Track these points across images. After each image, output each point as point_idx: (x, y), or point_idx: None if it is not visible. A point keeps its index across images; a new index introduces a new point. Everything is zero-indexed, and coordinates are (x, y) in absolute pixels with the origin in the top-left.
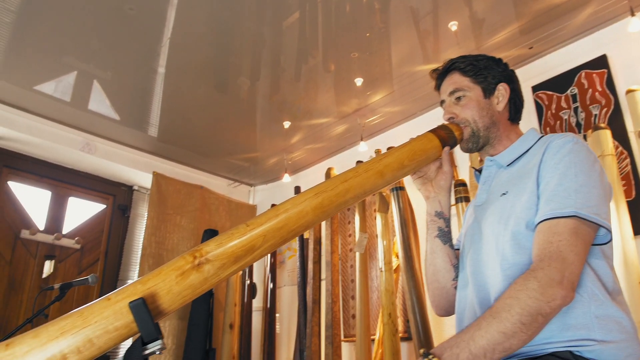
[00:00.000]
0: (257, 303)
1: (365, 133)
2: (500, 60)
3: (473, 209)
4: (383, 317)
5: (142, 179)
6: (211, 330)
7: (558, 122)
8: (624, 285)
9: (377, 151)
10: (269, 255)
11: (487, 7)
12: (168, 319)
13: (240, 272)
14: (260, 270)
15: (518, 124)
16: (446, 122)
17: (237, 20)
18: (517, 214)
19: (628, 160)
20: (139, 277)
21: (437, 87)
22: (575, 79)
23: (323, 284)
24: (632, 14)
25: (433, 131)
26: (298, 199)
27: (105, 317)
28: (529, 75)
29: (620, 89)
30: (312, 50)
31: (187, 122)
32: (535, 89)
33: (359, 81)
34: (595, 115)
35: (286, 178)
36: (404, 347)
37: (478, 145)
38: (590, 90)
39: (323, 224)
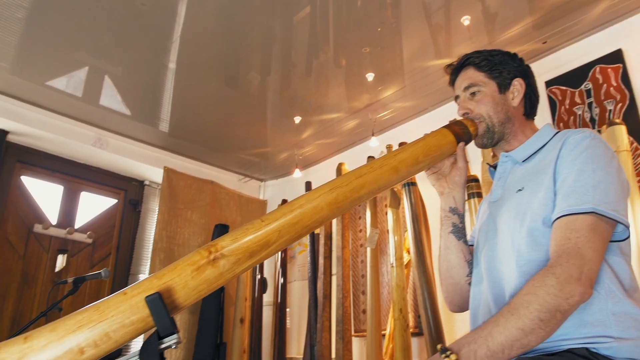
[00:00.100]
0: (267, 298)
1: (377, 128)
2: (515, 55)
3: (487, 205)
4: (394, 312)
5: (153, 174)
6: (222, 324)
7: (572, 117)
8: None
9: (389, 147)
10: None
11: (500, 1)
12: (179, 313)
13: None
14: (270, 265)
15: (533, 119)
16: (461, 118)
17: (248, 15)
18: (533, 210)
19: None
20: (150, 271)
21: (452, 83)
22: (590, 73)
23: (334, 279)
24: None
25: (447, 127)
26: (313, 195)
27: (122, 312)
28: (542, 70)
29: (636, 84)
30: (323, 45)
31: (198, 117)
32: (549, 84)
33: (370, 76)
34: (610, 110)
35: (297, 173)
36: (414, 342)
37: (493, 140)
38: (605, 85)
39: (334, 219)
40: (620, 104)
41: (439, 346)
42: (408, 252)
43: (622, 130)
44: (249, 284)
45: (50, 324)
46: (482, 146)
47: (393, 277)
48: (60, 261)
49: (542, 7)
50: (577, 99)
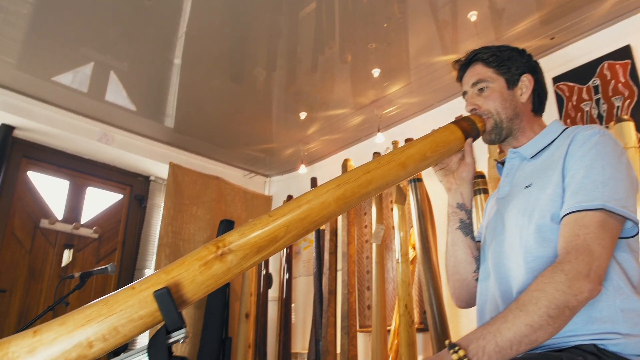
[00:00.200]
0: (272, 293)
1: (383, 124)
2: (524, 51)
3: (495, 201)
4: (399, 308)
5: (159, 170)
6: (227, 319)
7: (579, 113)
8: None
9: (395, 143)
10: None
11: None
12: (185, 308)
13: None
14: (276, 261)
15: (541, 115)
16: (468, 114)
17: (253, 11)
18: (541, 207)
19: None
20: (155, 266)
21: (459, 79)
22: (598, 70)
23: (339, 274)
24: None
25: (455, 123)
26: (320, 190)
27: (130, 306)
28: (549, 66)
29: None
30: (328, 41)
31: (203, 113)
32: (556, 80)
33: (376, 72)
34: (618, 107)
35: (302, 169)
36: (419, 338)
37: (501, 137)
38: (613, 81)
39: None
40: (628, 101)
41: (446, 342)
42: (413, 248)
43: (630, 127)
44: (255, 280)
45: (59, 318)
46: (490, 142)
47: (398, 273)
48: (67, 256)
49: (550, 3)
50: (585, 95)
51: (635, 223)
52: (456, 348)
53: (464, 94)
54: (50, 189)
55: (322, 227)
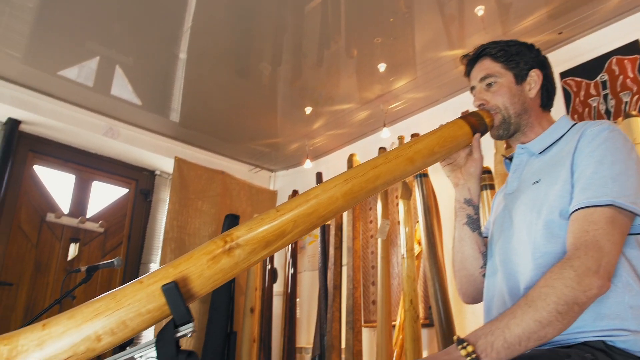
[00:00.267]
0: (277, 287)
1: (388, 119)
2: (532, 45)
3: (503, 196)
4: (404, 303)
5: (164, 164)
6: (232, 313)
7: (586, 109)
8: None
9: (400, 138)
10: None
11: None
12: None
13: None
14: (281, 256)
15: (550, 111)
16: (476, 109)
17: (259, 5)
18: (550, 203)
19: None
20: (161, 260)
21: (467, 73)
22: (606, 65)
23: (344, 269)
24: None
25: (463, 118)
26: (328, 185)
27: (138, 300)
28: (557, 62)
29: None
30: (334, 35)
31: (209, 107)
32: (563, 75)
33: (382, 67)
34: (626, 102)
35: (307, 164)
36: (424, 333)
37: (509, 132)
38: (621, 76)
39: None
40: (636, 96)
41: (455, 337)
42: (419, 243)
43: (638, 123)
44: (259, 274)
45: (67, 312)
46: (497, 137)
47: (404, 268)
48: (73, 250)
49: None
50: (593, 91)
51: None
52: (464, 344)
53: (472, 89)
54: (56, 183)
55: (328, 222)
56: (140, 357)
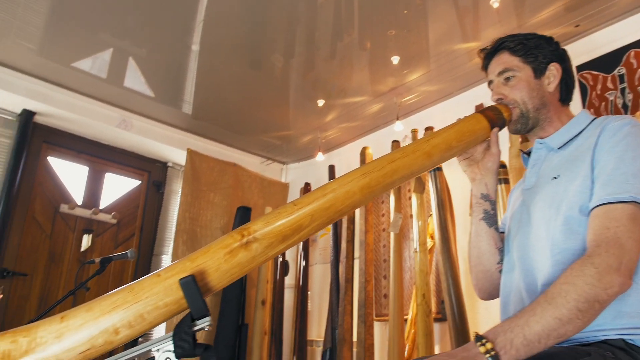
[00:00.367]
0: (289, 280)
1: (401, 112)
2: (551, 38)
3: (520, 192)
4: (417, 297)
5: (177, 156)
6: (244, 306)
7: (603, 103)
8: None
9: (414, 131)
10: None
11: None
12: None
13: None
14: (292, 248)
15: (569, 105)
16: (494, 103)
17: None
18: (569, 199)
19: None
20: (173, 252)
21: (484, 67)
22: (624, 58)
23: (356, 263)
24: None
25: (481, 112)
26: (345, 179)
27: (156, 293)
28: (573, 55)
29: None
30: (347, 28)
31: (221, 99)
32: (580, 68)
33: (395, 59)
34: None
35: (320, 156)
36: (436, 327)
37: (527, 127)
38: (639, 70)
39: None
40: None
41: (473, 333)
42: (431, 237)
43: None
44: (271, 267)
45: (85, 304)
46: (515, 132)
47: (416, 262)
48: (86, 241)
49: None
50: (610, 84)
51: None
52: (483, 340)
53: (490, 83)
54: (70, 174)
55: None
56: (158, 350)
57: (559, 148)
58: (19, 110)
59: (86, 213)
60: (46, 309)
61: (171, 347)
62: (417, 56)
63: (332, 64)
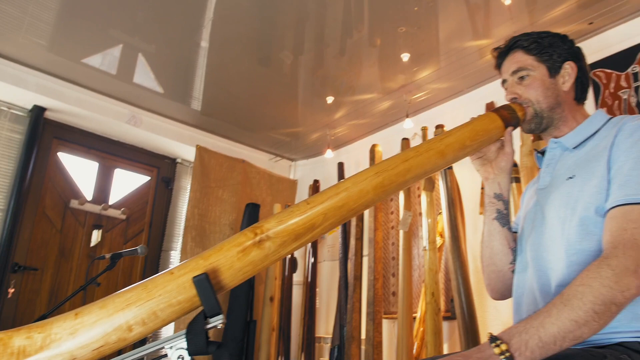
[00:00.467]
0: (297, 277)
1: (411, 110)
2: (565, 36)
3: (534, 191)
4: (426, 296)
5: (186, 152)
6: (252, 302)
7: (616, 101)
8: None
9: (424, 128)
10: None
11: None
12: None
13: None
14: None
15: (584, 104)
16: (508, 102)
17: None
18: (585, 199)
19: None
20: (182, 248)
21: (498, 66)
22: (638, 56)
23: (364, 260)
24: None
25: (495, 111)
26: (358, 178)
27: (169, 291)
28: (586, 52)
29: None
30: (357, 24)
31: (230, 95)
32: (593, 66)
33: (405, 56)
34: None
35: (328, 153)
36: (445, 326)
37: (541, 126)
38: None
39: None
40: None
41: (487, 334)
42: (440, 235)
43: None
44: (279, 264)
45: (99, 301)
46: (529, 131)
47: (426, 260)
48: (95, 236)
49: None
50: (623, 83)
51: None
52: (498, 342)
53: (503, 82)
54: (80, 170)
55: None
56: (171, 348)
57: (574, 148)
58: (29, 106)
59: (96, 208)
60: (56, 303)
61: (184, 344)
62: (427, 53)
63: (342, 60)
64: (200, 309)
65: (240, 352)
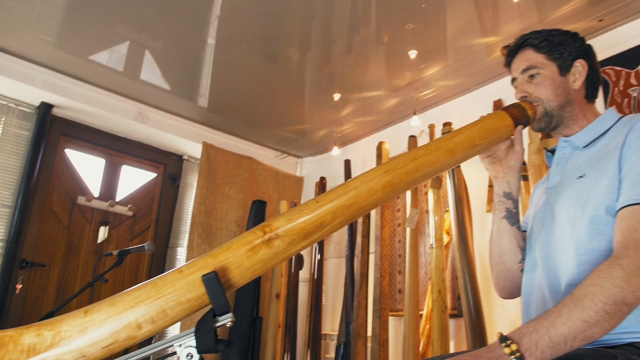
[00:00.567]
0: (303, 274)
1: (418, 107)
2: (576, 34)
3: (543, 190)
4: (432, 293)
5: (192, 149)
6: (258, 299)
7: (626, 99)
8: None
9: (431, 126)
10: None
11: None
12: None
13: None
14: None
15: (594, 102)
16: (518, 101)
17: None
18: (596, 198)
19: None
20: (188, 245)
21: (508, 64)
22: None
23: (371, 257)
24: None
25: (505, 109)
26: (367, 176)
27: (178, 289)
28: (595, 50)
29: None
30: (364, 21)
31: (237, 92)
32: (602, 64)
33: (412, 54)
34: None
35: (335, 151)
36: (451, 323)
37: (551, 125)
38: None
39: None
40: None
41: (497, 334)
42: (447, 233)
43: None
44: (285, 261)
45: (108, 299)
46: (539, 130)
47: (433, 258)
48: (102, 233)
49: None
50: (633, 80)
51: None
52: (508, 342)
53: (513, 80)
54: (87, 167)
55: None
56: (180, 345)
57: (584, 147)
58: (37, 103)
59: (103, 205)
60: (64, 299)
61: (193, 342)
62: (434, 50)
63: (349, 57)
64: (209, 307)
65: (246, 348)
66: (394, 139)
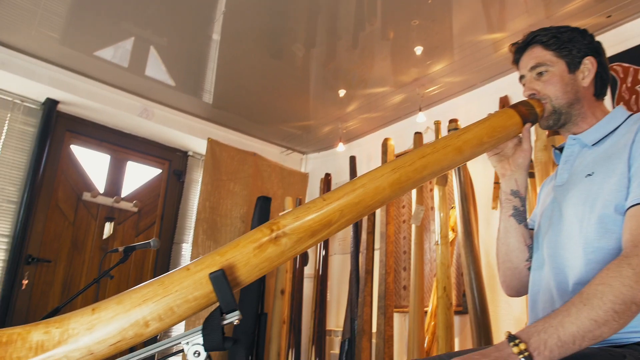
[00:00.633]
0: (308, 270)
1: (424, 103)
2: (585, 31)
3: (551, 188)
4: (438, 290)
5: (197, 145)
6: (263, 295)
7: (634, 96)
8: None
9: (437, 122)
10: None
11: None
12: None
13: None
14: None
15: (603, 100)
16: (526, 98)
17: None
18: (604, 197)
19: None
20: (193, 241)
21: (516, 62)
22: None
23: (376, 254)
24: None
25: (513, 107)
26: (375, 174)
27: (185, 287)
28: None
29: None
30: (370, 17)
31: (242, 88)
32: (610, 60)
33: (418, 49)
34: None
35: (340, 147)
36: (456, 320)
37: (559, 122)
38: None
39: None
40: None
41: (506, 333)
42: (452, 230)
43: None
44: None
45: (116, 297)
46: (547, 128)
47: (438, 255)
48: (108, 229)
49: None
50: None
51: None
52: (517, 341)
53: (521, 77)
54: (92, 163)
55: None
56: (187, 343)
57: (593, 145)
58: (42, 99)
59: (108, 201)
60: (69, 295)
61: (200, 340)
62: (441, 46)
63: (354, 53)
64: (216, 305)
65: (251, 344)
66: (400, 136)
